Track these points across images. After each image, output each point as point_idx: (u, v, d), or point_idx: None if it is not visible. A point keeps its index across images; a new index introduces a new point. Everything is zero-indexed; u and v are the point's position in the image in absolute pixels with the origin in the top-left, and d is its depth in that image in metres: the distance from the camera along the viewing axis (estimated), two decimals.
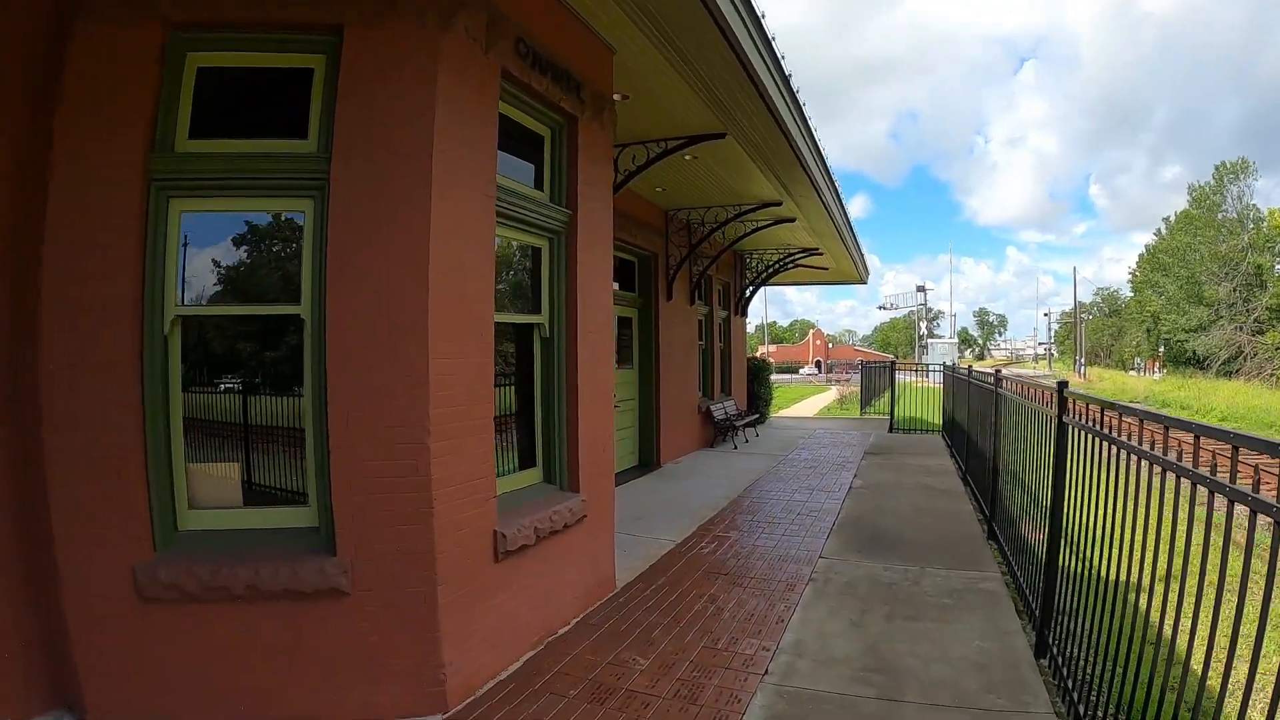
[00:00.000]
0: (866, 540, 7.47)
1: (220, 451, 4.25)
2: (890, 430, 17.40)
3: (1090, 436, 3.92)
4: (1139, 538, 3.15)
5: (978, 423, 9.38)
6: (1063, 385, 4.72)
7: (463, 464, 4.18)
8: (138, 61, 3.92)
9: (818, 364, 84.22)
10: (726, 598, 5.79)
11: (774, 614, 5.44)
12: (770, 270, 17.53)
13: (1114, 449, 3.57)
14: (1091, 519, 3.81)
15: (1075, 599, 4.05)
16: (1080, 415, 4.20)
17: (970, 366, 11.95)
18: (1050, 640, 4.57)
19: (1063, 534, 4.51)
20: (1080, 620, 3.90)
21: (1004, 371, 8.10)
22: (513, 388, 5.40)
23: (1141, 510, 3.15)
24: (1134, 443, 3.29)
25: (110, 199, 3.88)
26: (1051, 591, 4.60)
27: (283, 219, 4.17)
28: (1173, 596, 2.81)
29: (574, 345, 5.47)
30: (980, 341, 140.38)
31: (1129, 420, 3.46)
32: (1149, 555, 3.06)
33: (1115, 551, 3.43)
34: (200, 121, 4.09)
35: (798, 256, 16.82)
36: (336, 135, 3.96)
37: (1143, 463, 3.19)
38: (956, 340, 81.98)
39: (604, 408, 5.88)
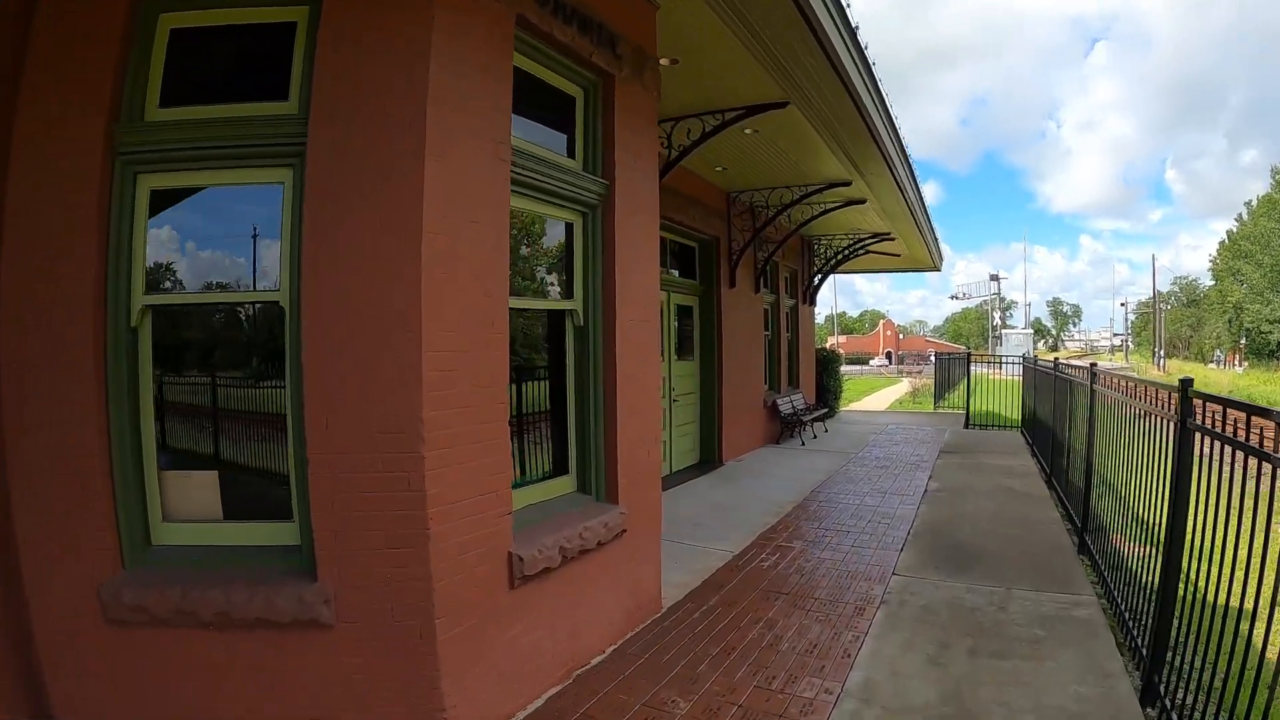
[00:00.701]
0: (945, 553, 6.48)
1: (197, 459, 3.65)
2: (966, 426, 16.05)
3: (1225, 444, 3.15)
4: None
5: (1065, 421, 8.23)
6: (1187, 384, 3.76)
7: (468, 476, 3.46)
8: (104, 23, 3.36)
9: (888, 355, 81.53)
10: (786, 623, 4.94)
11: (840, 645, 4.57)
12: (839, 256, 16.37)
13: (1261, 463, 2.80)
14: (1221, 541, 3.13)
15: (1195, 637, 3.34)
16: (1210, 420, 3.35)
17: (1057, 359, 10.70)
18: (1160, 685, 3.73)
19: (1183, 557, 3.66)
20: (1201, 662, 3.24)
21: (1083, 364, 6.98)
22: (541, 384, 4.67)
23: None
24: None
25: (69, 175, 3.32)
26: (1165, 627, 3.74)
27: (261, 192, 3.52)
28: None
29: (612, 335, 4.69)
30: (1054, 332, 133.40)
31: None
32: None
33: (1253, 583, 2.81)
34: (172, 88, 3.51)
35: (868, 242, 15.62)
36: (315, 93, 3.28)
37: None
38: (1031, 331, 78.02)
39: (648, 406, 5.09)
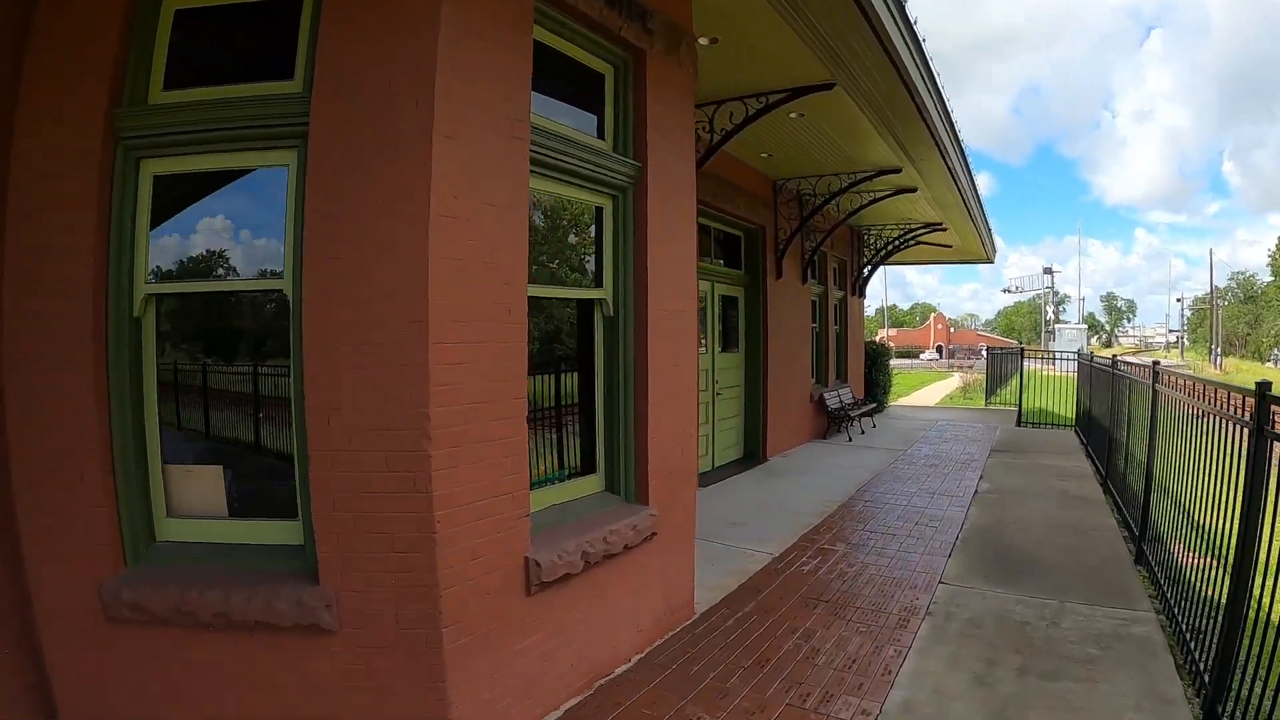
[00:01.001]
0: (995, 561, 6.02)
1: (204, 452, 3.47)
2: (1018, 423, 15.27)
3: None
4: None
5: (1123, 422, 7.64)
6: (1265, 387, 3.33)
7: (480, 476, 3.20)
8: (107, 6, 3.19)
9: (938, 349, 79.37)
10: (825, 634, 4.58)
11: (880, 660, 4.20)
12: (889, 248, 15.74)
13: None
14: None
15: (1267, 665, 3.03)
16: None
17: (1115, 356, 10.03)
18: (1224, 718, 3.40)
19: (1254, 574, 3.28)
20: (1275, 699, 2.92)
21: (1141, 361, 6.39)
22: (567, 377, 4.39)
23: None
24: None
25: (70, 161, 3.16)
26: (1231, 651, 3.36)
27: (267, 176, 3.30)
28: None
29: (644, 326, 4.38)
30: (1108, 328, 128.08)
31: None
32: None
33: None
34: (176, 70, 3.32)
35: (919, 232, 14.95)
36: (318, 67, 3.04)
37: None
38: (1085, 326, 75.09)
39: (682, 402, 4.77)
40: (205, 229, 3.34)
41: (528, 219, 3.49)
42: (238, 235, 3.33)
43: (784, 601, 5.14)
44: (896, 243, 15.51)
